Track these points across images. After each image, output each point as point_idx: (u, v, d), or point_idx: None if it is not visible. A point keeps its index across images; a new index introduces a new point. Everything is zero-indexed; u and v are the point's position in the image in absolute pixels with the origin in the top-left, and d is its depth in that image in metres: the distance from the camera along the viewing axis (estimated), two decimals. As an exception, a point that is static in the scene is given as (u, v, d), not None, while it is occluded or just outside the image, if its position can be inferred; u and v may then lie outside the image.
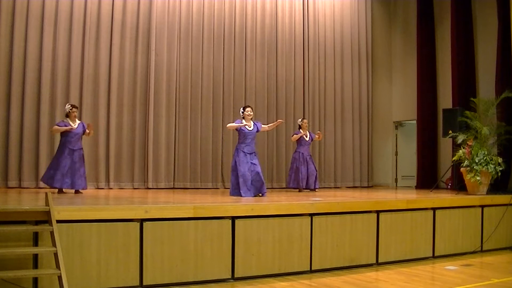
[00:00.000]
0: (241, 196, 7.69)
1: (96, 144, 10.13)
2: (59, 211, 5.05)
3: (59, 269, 4.65)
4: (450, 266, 7.00)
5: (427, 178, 12.07)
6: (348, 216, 6.84)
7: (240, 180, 7.74)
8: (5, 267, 4.66)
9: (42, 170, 9.62)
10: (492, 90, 10.51)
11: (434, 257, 7.64)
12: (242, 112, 8.14)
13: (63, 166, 8.03)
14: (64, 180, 8.02)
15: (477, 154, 8.91)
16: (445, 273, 6.63)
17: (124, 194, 8.52)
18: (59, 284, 4.65)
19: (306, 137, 10.15)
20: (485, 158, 8.86)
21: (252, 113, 8.14)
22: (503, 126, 9.81)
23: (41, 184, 9.53)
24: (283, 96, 12.24)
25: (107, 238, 5.27)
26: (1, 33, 9.49)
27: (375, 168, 13.54)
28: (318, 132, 10.67)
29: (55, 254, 4.74)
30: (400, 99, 13.59)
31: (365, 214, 7.00)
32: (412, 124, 13.10)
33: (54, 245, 4.77)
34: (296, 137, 10.17)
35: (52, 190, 8.45)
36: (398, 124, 13.72)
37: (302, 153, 10.06)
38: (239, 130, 7.99)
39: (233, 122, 8.37)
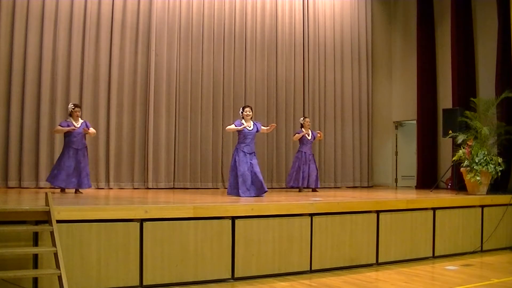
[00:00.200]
0: (239, 195, 7.69)
1: (96, 144, 10.13)
2: (59, 211, 5.06)
3: (59, 269, 4.65)
4: (450, 266, 7.00)
5: (427, 178, 12.07)
6: (348, 216, 6.84)
7: (240, 179, 7.74)
8: (5, 267, 4.66)
9: (42, 170, 9.64)
10: (492, 90, 10.51)
11: (434, 257, 7.64)
12: (241, 112, 8.15)
13: (68, 166, 8.06)
14: (70, 180, 8.06)
15: (477, 154, 8.91)
16: (445, 273, 6.63)
17: (124, 194, 8.53)
18: (59, 284, 4.65)
19: (309, 136, 10.10)
20: (485, 158, 8.86)
21: (251, 113, 8.15)
22: (503, 126, 9.81)
23: (41, 184, 9.58)
24: (283, 96, 12.24)
25: (107, 238, 5.27)
26: (1, 33, 9.49)
27: (375, 168, 13.53)
28: (319, 131, 10.65)
29: (55, 254, 4.74)
30: (400, 99, 13.59)
31: (365, 214, 7.00)
32: (412, 124, 13.10)
33: (54, 245, 4.77)
34: (298, 136, 10.16)
35: (52, 190, 8.47)
36: (398, 124, 13.72)
37: (305, 153, 10.03)
38: (240, 130, 7.99)
39: (233, 123, 8.37)
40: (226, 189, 8.40)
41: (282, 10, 12.35)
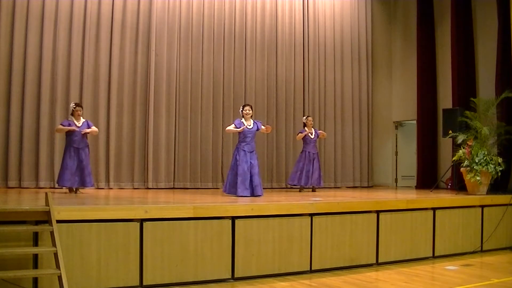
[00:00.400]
0: (236, 195, 7.68)
1: (96, 144, 10.12)
2: (59, 211, 5.06)
3: (59, 269, 4.65)
4: (450, 266, 7.00)
5: (427, 178, 12.07)
6: (348, 216, 6.84)
7: (239, 179, 7.72)
8: (5, 267, 4.66)
9: (42, 170, 9.65)
10: (492, 90, 10.51)
11: (434, 257, 7.64)
12: (241, 111, 8.16)
13: (71, 165, 8.11)
14: (74, 178, 8.13)
15: (477, 154, 8.91)
16: (445, 273, 6.64)
17: (124, 194, 8.53)
18: (59, 284, 4.65)
19: (311, 135, 10.09)
20: (485, 158, 8.86)
21: (250, 111, 8.13)
22: (503, 126, 9.81)
23: (41, 184, 9.60)
24: (283, 96, 12.23)
25: (107, 238, 5.27)
26: (1, 33, 9.49)
27: (375, 168, 13.53)
28: (321, 131, 10.61)
29: (55, 254, 4.74)
30: (400, 99, 13.59)
31: (365, 214, 7.00)
32: (412, 124, 13.10)
33: (54, 245, 4.77)
34: (300, 135, 10.15)
35: (52, 190, 8.48)
36: (398, 124, 13.72)
37: (308, 152, 10.00)
38: (242, 127, 7.97)
39: (233, 122, 8.35)
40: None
41: (282, 10, 12.34)
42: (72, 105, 8.49)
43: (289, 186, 10.54)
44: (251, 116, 8.15)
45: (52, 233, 4.82)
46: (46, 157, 9.71)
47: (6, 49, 9.52)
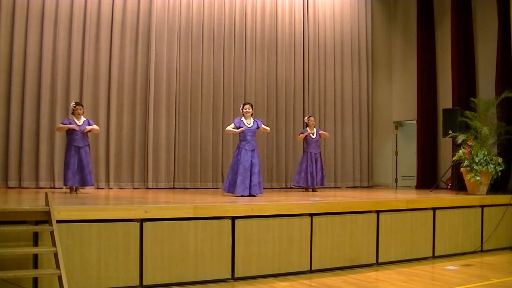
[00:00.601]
0: (236, 194, 7.67)
1: (96, 144, 10.12)
2: (59, 211, 5.06)
3: (59, 269, 4.65)
4: (450, 266, 7.00)
5: (427, 178, 12.07)
6: (348, 216, 6.84)
7: (239, 178, 7.70)
8: (5, 267, 4.66)
9: (42, 170, 9.65)
10: (492, 90, 10.51)
11: (434, 257, 7.64)
12: (242, 109, 8.15)
13: (72, 164, 8.13)
14: (75, 177, 8.15)
15: (477, 154, 8.91)
16: (445, 273, 6.64)
17: (124, 194, 8.53)
18: (59, 284, 4.65)
19: (313, 135, 10.07)
20: (485, 158, 8.86)
21: (251, 110, 8.11)
22: (503, 126, 9.81)
23: (41, 184, 9.60)
24: (283, 96, 12.23)
25: (107, 238, 5.27)
26: (1, 33, 9.49)
27: (375, 168, 13.53)
28: (322, 132, 10.54)
29: (55, 254, 4.74)
30: (400, 99, 13.59)
31: (365, 214, 7.00)
32: (412, 124, 13.10)
33: (54, 245, 4.77)
34: (301, 136, 10.14)
35: (52, 190, 8.48)
36: (398, 124, 13.72)
37: (310, 152, 9.99)
38: (238, 128, 7.96)
39: (232, 121, 8.33)
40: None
41: (282, 10, 12.34)
42: (72, 104, 8.51)
43: (294, 187, 10.50)
44: (251, 115, 8.14)
45: (52, 233, 4.82)
46: (46, 157, 9.71)
47: (6, 49, 9.52)
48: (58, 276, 4.64)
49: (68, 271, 4.80)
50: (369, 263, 6.96)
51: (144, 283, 5.45)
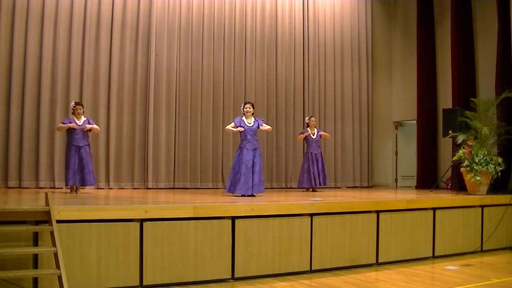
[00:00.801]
0: (238, 194, 7.67)
1: (96, 144, 10.13)
2: (59, 211, 5.06)
3: (59, 269, 4.65)
4: (450, 266, 7.00)
5: (427, 178, 12.07)
6: (348, 216, 6.84)
7: (242, 178, 7.68)
8: (5, 267, 4.66)
9: (42, 170, 9.65)
10: (492, 90, 10.51)
11: (434, 257, 7.63)
12: (243, 109, 8.15)
13: (73, 163, 8.15)
14: (76, 177, 8.17)
15: (477, 154, 8.91)
16: (445, 273, 6.63)
17: (124, 194, 8.53)
18: (59, 284, 4.65)
19: (314, 135, 10.06)
20: (485, 158, 8.86)
21: (251, 109, 8.08)
22: (503, 126, 9.81)
23: (41, 184, 9.61)
24: (283, 96, 12.23)
25: (107, 238, 5.27)
26: (1, 33, 9.49)
27: (375, 168, 13.53)
28: (323, 133, 10.50)
29: (55, 254, 4.74)
30: (400, 99, 13.59)
31: (365, 214, 7.00)
32: (412, 124, 13.10)
33: (54, 245, 4.77)
34: (301, 136, 10.14)
35: (52, 190, 8.48)
36: (398, 124, 13.72)
37: (311, 153, 9.99)
38: (238, 127, 7.96)
39: (233, 120, 8.32)
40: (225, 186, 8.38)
41: (282, 10, 12.34)
42: (72, 104, 8.53)
43: (294, 188, 10.48)
44: (252, 114, 8.13)
45: (52, 233, 4.81)
46: (46, 157, 9.71)
47: (6, 49, 9.53)
48: (58, 276, 4.64)
49: (68, 271, 4.80)
50: (369, 263, 6.96)
51: (144, 283, 5.45)
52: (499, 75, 10.47)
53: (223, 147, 11.38)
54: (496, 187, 9.55)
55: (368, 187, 13.09)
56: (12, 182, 9.46)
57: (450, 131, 10.09)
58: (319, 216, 6.58)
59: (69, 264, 4.94)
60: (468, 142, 9.19)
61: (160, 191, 10.02)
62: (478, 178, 8.82)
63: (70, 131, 8.22)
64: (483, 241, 8.19)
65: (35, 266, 4.96)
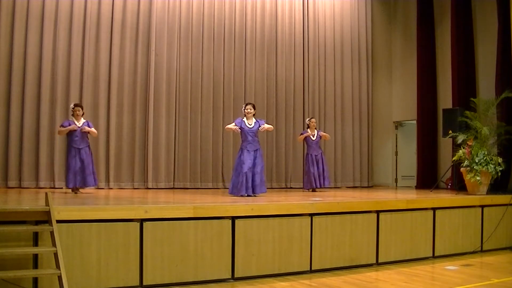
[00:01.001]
0: (240, 195, 7.68)
1: (96, 144, 10.12)
2: (59, 211, 5.06)
3: (59, 269, 4.65)
4: (450, 266, 7.00)
5: (427, 178, 12.07)
6: (348, 216, 6.84)
7: (242, 179, 7.68)
8: (5, 267, 4.66)
9: (42, 170, 9.65)
10: (492, 90, 10.51)
11: (434, 257, 7.64)
12: (243, 110, 8.15)
13: (73, 165, 8.17)
14: (76, 178, 8.18)
15: (477, 154, 8.91)
16: (445, 273, 6.63)
17: (124, 194, 8.53)
18: (59, 284, 4.65)
19: (313, 136, 10.06)
20: (485, 158, 8.86)
21: (252, 110, 8.07)
22: (503, 126, 9.81)
23: (41, 184, 9.61)
24: (283, 96, 12.23)
25: (107, 238, 5.27)
26: (1, 33, 9.49)
27: (375, 168, 13.53)
28: (322, 134, 10.48)
29: (55, 254, 4.74)
30: (400, 99, 13.59)
31: (365, 214, 7.00)
32: (412, 124, 13.10)
33: (54, 245, 4.77)
34: (301, 137, 10.15)
35: (52, 190, 8.48)
36: (398, 124, 13.72)
37: (310, 155, 9.98)
38: (240, 129, 7.97)
39: (233, 121, 8.33)
40: (227, 189, 8.39)
41: (282, 10, 12.34)
42: (71, 106, 8.53)
43: (307, 190, 10.45)
44: (253, 115, 8.13)
45: (52, 233, 4.82)
46: (46, 157, 9.71)
47: (6, 49, 9.53)
48: (58, 276, 4.64)
49: (68, 271, 4.80)
50: (369, 263, 6.96)
51: (144, 283, 5.45)
52: (499, 75, 10.47)
53: (223, 147, 11.38)
54: (496, 187, 9.55)
55: (368, 187, 13.08)
56: (12, 182, 9.46)
57: (450, 131, 10.09)
58: (319, 216, 6.58)
59: (69, 264, 4.94)
60: (468, 142, 9.19)
61: (160, 191, 10.02)
62: (478, 178, 8.82)
63: (70, 133, 8.24)
64: (483, 241, 8.19)
65: (35, 266, 4.96)
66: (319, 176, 9.93)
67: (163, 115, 10.80)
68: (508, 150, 9.92)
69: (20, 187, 9.46)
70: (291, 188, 11.87)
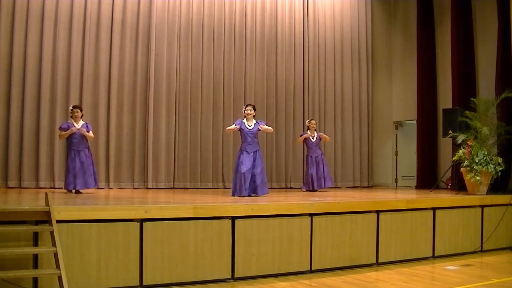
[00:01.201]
0: (241, 196, 7.68)
1: (96, 144, 10.12)
2: (59, 211, 5.06)
3: (59, 269, 4.65)
4: (450, 266, 7.00)
5: (427, 178, 12.07)
6: (348, 216, 6.84)
7: (242, 180, 7.69)
8: (5, 267, 4.66)
9: (42, 170, 9.66)
10: (492, 90, 10.51)
11: (434, 257, 7.64)
12: (244, 111, 8.15)
13: (73, 168, 8.17)
14: (77, 181, 8.17)
15: (477, 154, 8.91)
16: (445, 273, 6.64)
17: (124, 194, 8.53)
18: (59, 284, 4.65)
19: (313, 138, 10.05)
20: (485, 158, 8.86)
21: (252, 111, 8.08)
22: (503, 126, 9.81)
23: (41, 184, 9.61)
24: (283, 96, 12.23)
25: (107, 238, 5.28)
26: (1, 33, 9.49)
27: (375, 168, 13.53)
28: (322, 135, 10.44)
29: (55, 254, 4.74)
30: (400, 99, 13.59)
31: (365, 214, 7.00)
32: (412, 124, 13.10)
33: (54, 245, 4.77)
34: (301, 138, 10.15)
35: (52, 190, 8.48)
36: (398, 124, 13.72)
37: (311, 156, 9.98)
38: (240, 130, 7.98)
39: (233, 122, 8.34)
40: (227, 189, 8.41)
41: (282, 10, 12.34)
42: (70, 108, 8.55)
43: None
44: (254, 116, 8.13)
45: (52, 233, 4.82)
46: (46, 157, 9.71)
47: (6, 49, 9.53)
48: (58, 276, 4.64)
49: (68, 271, 4.81)
50: (369, 263, 6.97)
51: (144, 283, 5.45)
52: (499, 75, 10.47)
53: (223, 147, 11.38)
54: (496, 187, 9.55)
55: (368, 187, 13.08)
56: (12, 182, 9.46)
57: (450, 131, 10.09)
58: (319, 216, 6.58)
59: (69, 264, 4.95)
60: (468, 142, 9.19)
61: (160, 191, 10.02)
62: (478, 178, 8.83)
63: (69, 136, 8.24)
64: (483, 241, 8.19)
65: (35, 266, 4.96)
66: (319, 177, 9.92)
67: (163, 115, 10.80)
68: (508, 150, 9.92)
69: (20, 187, 9.46)
70: (291, 188, 11.87)
